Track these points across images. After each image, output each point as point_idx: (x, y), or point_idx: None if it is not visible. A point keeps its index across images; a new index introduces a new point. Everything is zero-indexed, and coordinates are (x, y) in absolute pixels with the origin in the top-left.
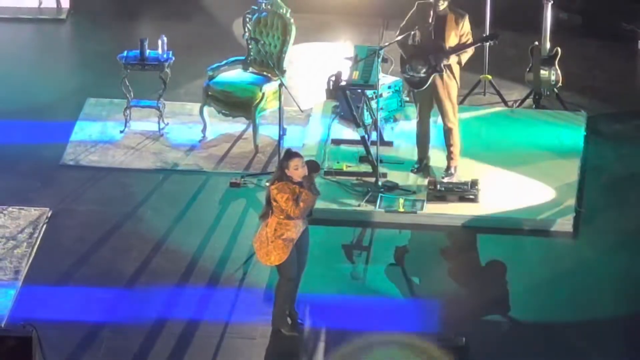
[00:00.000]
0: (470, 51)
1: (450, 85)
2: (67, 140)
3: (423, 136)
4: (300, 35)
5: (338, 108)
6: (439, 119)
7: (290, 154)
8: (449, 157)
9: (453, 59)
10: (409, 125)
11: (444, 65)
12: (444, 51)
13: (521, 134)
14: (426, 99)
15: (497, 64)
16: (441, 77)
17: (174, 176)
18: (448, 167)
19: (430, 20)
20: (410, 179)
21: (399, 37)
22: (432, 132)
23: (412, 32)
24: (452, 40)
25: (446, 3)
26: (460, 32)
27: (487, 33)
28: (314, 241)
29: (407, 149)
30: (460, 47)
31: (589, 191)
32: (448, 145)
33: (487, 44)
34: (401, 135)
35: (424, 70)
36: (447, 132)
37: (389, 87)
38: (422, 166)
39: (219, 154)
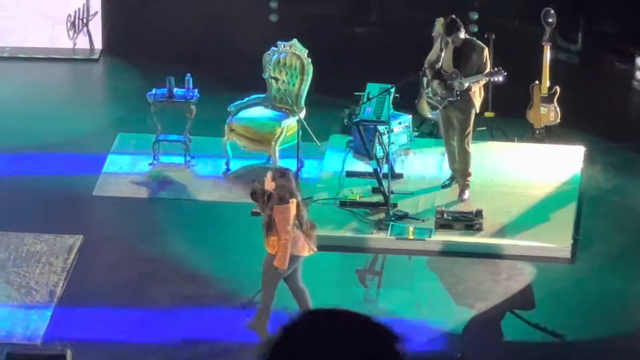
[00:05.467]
0: (481, 82)
1: (464, 111)
2: (99, 172)
3: (450, 155)
4: (316, 73)
5: (352, 142)
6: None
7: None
8: (460, 182)
9: (467, 86)
10: (418, 159)
11: (459, 92)
12: (459, 78)
13: (522, 166)
14: (446, 120)
15: (500, 102)
16: (458, 103)
17: (199, 206)
18: (461, 192)
19: (451, 50)
20: (420, 209)
21: (426, 63)
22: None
23: (434, 58)
24: (470, 70)
25: (460, 37)
26: (477, 62)
27: (494, 69)
28: (331, 266)
29: (416, 181)
30: (472, 77)
31: (585, 220)
32: (459, 169)
33: (493, 78)
34: (411, 167)
35: (443, 93)
36: (459, 156)
37: (400, 123)
38: (452, 183)
39: (241, 186)
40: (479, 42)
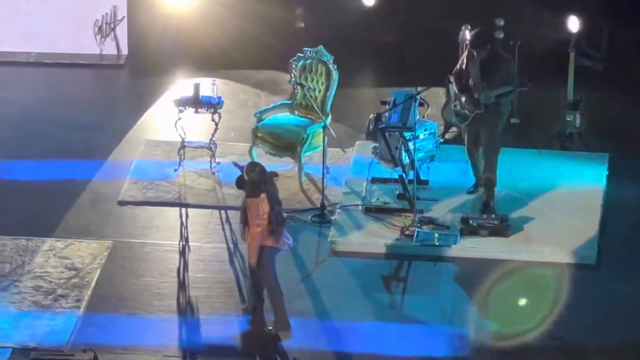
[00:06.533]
0: (508, 94)
1: (492, 124)
2: (125, 178)
3: (473, 164)
4: (342, 79)
5: (377, 149)
6: None
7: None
8: (485, 191)
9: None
10: (443, 165)
11: (486, 104)
12: (486, 91)
13: (547, 173)
14: (472, 133)
15: (525, 109)
16: (487, 112)
17: (225, 212)
18: (486, 202)
19: (478, 62)
20: (445, 215)
21: (453, 76)
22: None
23: (461, 70)
24: (497, 82)
25: (486, 50)
26: (504, 74)
27: (520, 81)
28: (356, 272)
29: (441, 187)
30: (498, 89)
31: (610, 227)
32: (484, 179)
33: (518, 90)
34: (436, 174)
35: (468, 106)
36: (485, 167)
37: (425, 130)
38: (477, 189)
39: None
40: (505, 54)
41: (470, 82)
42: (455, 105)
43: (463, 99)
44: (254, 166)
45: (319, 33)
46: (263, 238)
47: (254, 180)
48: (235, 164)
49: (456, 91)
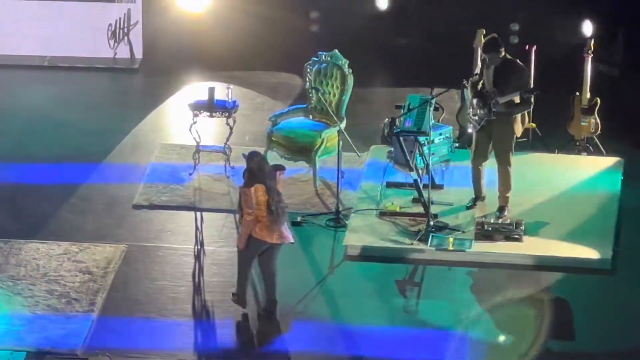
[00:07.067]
0: (523, 106)
1: (504, 132)
2: (139, 182)
3: (477, 176)
4: (357, 83)
5: (392, 153)
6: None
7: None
8: (500, 198)
9: (509, 111)
10: (458, 170)
11: (499, 112)
12: (497, 98)
13: (562, 177)
14: (482, 141)
15: (540, 113)
16: (499, 122)
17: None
18: (501, 209)
19: (492, 70)
20: (460, 220)
21: (470, 82)
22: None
23: (477, 78)
24: (509, 91)
25: (498, 57)
26: (517, 84)
27: (529, 87)
28: (371, 277)
29: (456, 192)
30: (507, 96)
31: (625, 231)
32: (499, 187)
33: (526, 97)
34: (451, 178)
35: (480, 113)
36: (499, 175)
37: (441, 134)
38: (476, 204)
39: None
40: (519, 63)
41: (485, 89)
42: (469, 113)
43: (475, 102)
44: (253, 155)
45: (333, 36)
46: (253, 227)
47: (252, 169)
48: (244, 155)
49: (470, 98)
